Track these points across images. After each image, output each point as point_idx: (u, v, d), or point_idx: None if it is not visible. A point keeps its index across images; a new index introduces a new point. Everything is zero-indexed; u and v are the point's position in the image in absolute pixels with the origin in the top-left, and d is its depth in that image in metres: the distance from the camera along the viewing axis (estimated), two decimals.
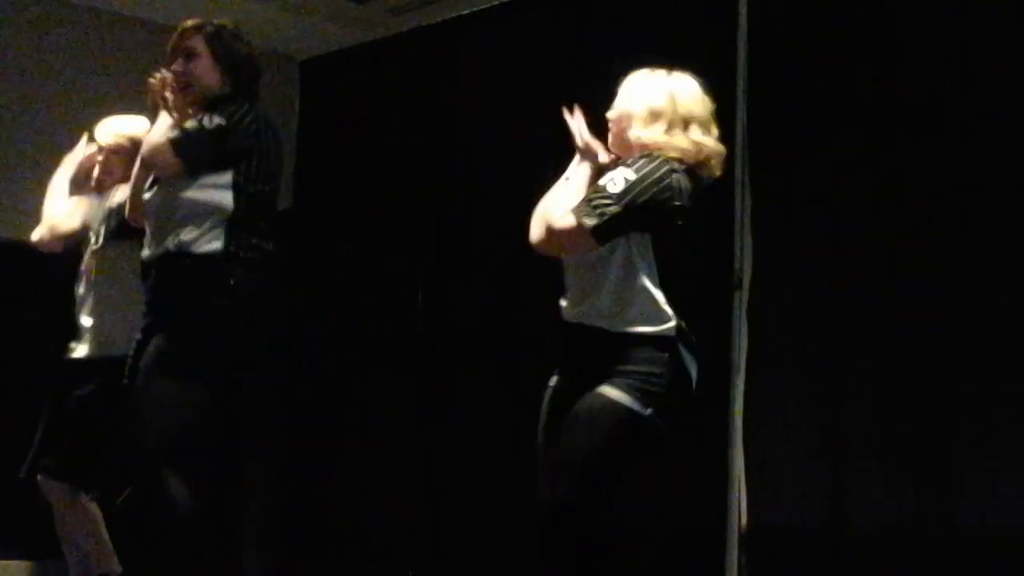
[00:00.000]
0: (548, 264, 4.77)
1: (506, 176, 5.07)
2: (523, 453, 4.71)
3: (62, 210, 4.40)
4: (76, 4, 7.88)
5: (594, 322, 3.11)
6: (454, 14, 5.40)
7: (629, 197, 3.03)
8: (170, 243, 3.56)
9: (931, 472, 3.80)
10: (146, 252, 3.66)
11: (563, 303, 3.22)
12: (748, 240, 4.31)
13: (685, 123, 3.13)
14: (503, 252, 5.01)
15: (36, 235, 4.44)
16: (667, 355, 3.05)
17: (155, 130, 3.63)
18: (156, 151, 3.59)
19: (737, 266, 4.33)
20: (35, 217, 4.50)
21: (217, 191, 3.57)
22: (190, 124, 3.58)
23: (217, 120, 3.55)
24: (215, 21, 3.78)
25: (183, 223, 3.56)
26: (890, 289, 3.97)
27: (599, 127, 3.22)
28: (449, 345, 5.17)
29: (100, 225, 4.24)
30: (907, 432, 3.85)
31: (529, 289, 4.88)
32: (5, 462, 4.39)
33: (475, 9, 5.31)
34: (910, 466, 3.83)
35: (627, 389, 3.01)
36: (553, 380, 3.26)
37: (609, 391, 3.02)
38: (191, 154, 3.56)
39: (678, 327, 3.08)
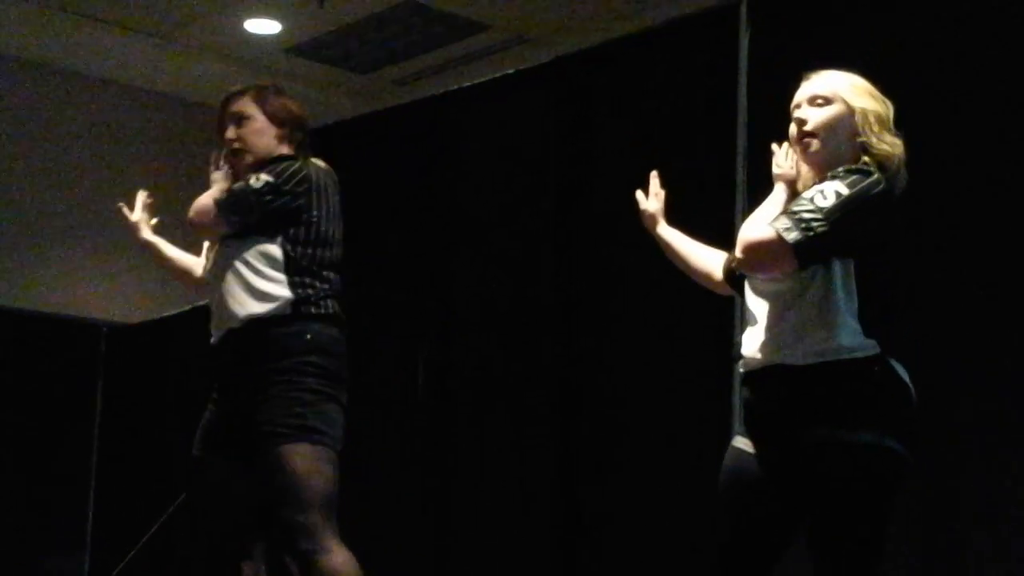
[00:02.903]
0: (547, 328, 4.83)
1: (508, 243, 5.13)
2: (530, 506, 4.74)
3: None
4: (89, 77, 8.01)
5: (785, 360, 2.63)
6: (457, 86, 5.47)
7: (840, 215, 2.56)
8: (236, 318, 3.45)
9: (936, 529, 3.72)
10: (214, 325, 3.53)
11: (743, 349, 2.75)
12: None
13: (878, 124, 2.73)
14: (506, 321, 5.05)
15: None
16: (881, 370, 2.60)
17: (205, 194, 3.55)
18: (200, 211, 3.51)
19: None
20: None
21: (268, 260, 3.44)
22: (238, 185, 3.49)
23: (264, 178, 3.44)
24: (257, 83, 3.70)
25: (244, 294, 3.44)
26: None
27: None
28: (453, 405, 5.21)
29: None
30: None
31: (531, 354, 4.92)
32: None
33: (479, 81, 5.38)
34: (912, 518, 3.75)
35: (866, 426, 2.54)
36: (739, 441, 2.77)
37: (847, 435, 2.54)
38: (235, 214, 3.46)
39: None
